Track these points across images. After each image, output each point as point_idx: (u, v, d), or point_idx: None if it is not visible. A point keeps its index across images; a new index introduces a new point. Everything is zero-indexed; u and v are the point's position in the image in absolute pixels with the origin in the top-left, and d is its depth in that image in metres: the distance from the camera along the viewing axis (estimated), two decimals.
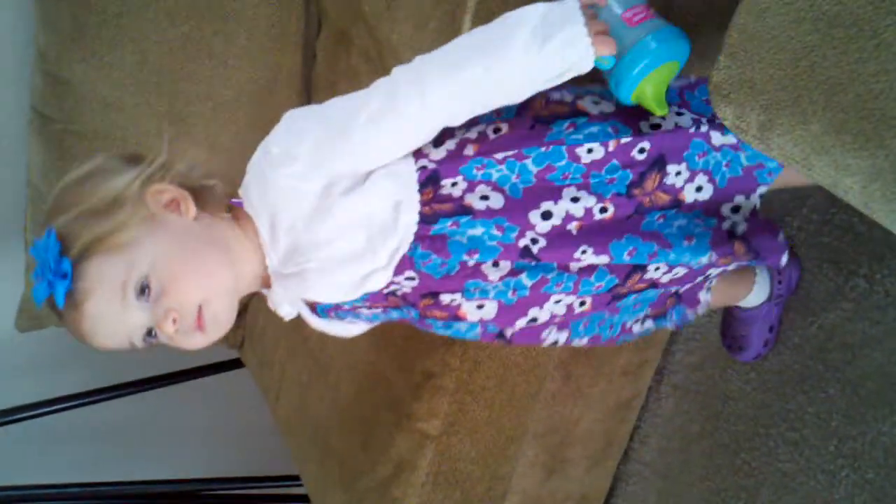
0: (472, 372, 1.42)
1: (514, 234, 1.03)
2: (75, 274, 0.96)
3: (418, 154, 1.05)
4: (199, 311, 1.01)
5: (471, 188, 1.05)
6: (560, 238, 1.05)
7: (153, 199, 1.02)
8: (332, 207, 1.01)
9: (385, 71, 1.02)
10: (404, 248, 1.02)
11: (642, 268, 1.09)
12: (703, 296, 1.26)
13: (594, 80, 1.07)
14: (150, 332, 1.01)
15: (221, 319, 1.04)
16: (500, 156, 1.03)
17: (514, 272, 1.05)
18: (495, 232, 1.03)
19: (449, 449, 1.50)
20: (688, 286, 1.23)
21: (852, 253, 1.52)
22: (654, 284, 1.14)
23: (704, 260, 1.09)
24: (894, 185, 0.87)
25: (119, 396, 2.32)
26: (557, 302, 1.10)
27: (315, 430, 1.86)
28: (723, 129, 1.06)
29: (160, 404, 2.47)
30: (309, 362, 1.89)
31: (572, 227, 1.05)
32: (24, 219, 2.05)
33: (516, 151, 1.04)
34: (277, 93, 1.17)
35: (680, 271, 1.13)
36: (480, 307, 1.08)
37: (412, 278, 1.05)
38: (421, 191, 1.03)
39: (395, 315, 1.13)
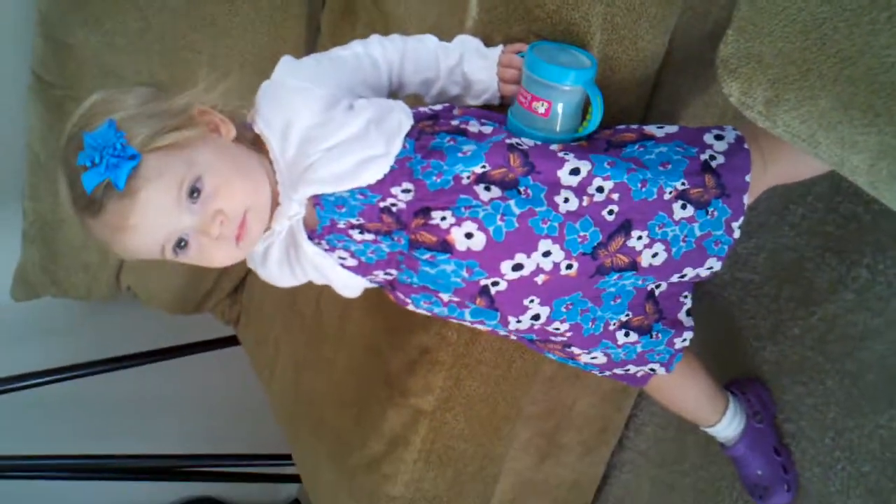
0: (468, 345, 1.41)
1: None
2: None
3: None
4: (244, 217, 1.08)
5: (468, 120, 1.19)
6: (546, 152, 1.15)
7: (200, 119, 1.10)
8: (336, 116, 1.12)
9: None
10: (400, 136, 1.13)
11: (626, 231, 1.13)
12: (685, 319, 1.29)
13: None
14: (180, 243, 1.07)
15: (254, 234, 1.12)
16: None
17: (504, 197, 1.09)
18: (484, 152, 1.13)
19: (443, 426, 1.48)
20: (664, 288, 1.25)
21: (856, 242, 1.51)
22: (634, 264, 1.16)
23: (679, 186, 1.14)
24: None
25: (113, 370, 2.31)
26: (546, 255, 1.11)
27: (308, 406, 1.85)
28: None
29: (154, 379, 2.47)
30: (304, 338, 1.88)
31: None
32: (20, 185, 2.03)
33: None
34: None
35: (660, 253, 1.16)
36: (469, 236, 1.10)
37: (408, 190, 1.11)
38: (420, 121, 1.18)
39: (384, 247, 1.15)
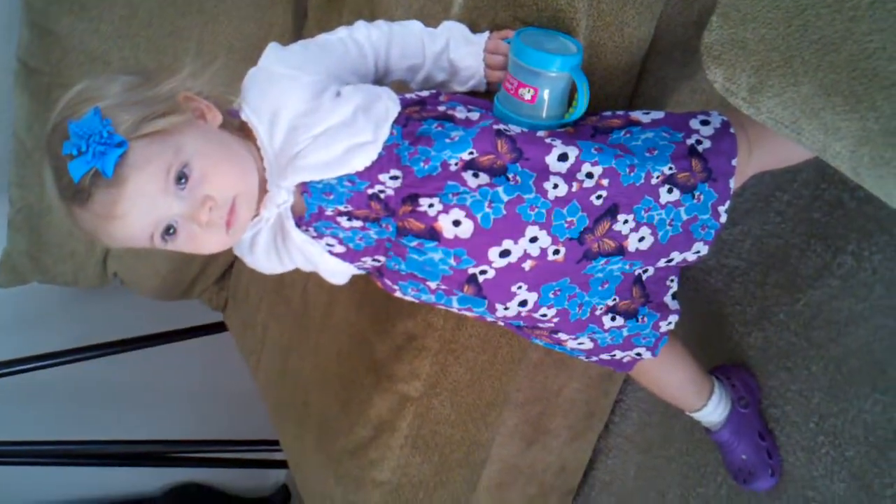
0: (455, 331, 1.41)
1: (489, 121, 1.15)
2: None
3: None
4: (233, 203, 1.07)
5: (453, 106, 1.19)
6: (534, 138, 1.15)
7: (185, 105, 1.08)
8: (324, 103, 1.11)
9: None
10: (388, 122, 1.12)
11: (613, 216, 1.14)
12: (671, 302, 1.29)
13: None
14: (168, 230, 1.05)
15: (243, 220, 1.10)
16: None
17: (492, 184, 1.09)
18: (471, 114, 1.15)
19: (429, 411, 1.49)
20: (651, 273, 1.26)
21: (841, 229, 1.51)
22: (621, 249, 1.17)
23: (666, 170, 1.15)
24: (883, 149, 0.86)
25: (100, 356, 2.31)
26: (533, 241, 1.11)
27: (295, 392, 1.85)
28: None
29: (141, 365, 2.47)
30: (291, 324, 1.88)
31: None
32: (6, 173, 2.02)
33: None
34: None
35: (647, 237, 1.17)
36: (457, 224, 1.10)
37: (396, 177, 1.11)
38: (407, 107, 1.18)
39: (373, 233, 1.15)
